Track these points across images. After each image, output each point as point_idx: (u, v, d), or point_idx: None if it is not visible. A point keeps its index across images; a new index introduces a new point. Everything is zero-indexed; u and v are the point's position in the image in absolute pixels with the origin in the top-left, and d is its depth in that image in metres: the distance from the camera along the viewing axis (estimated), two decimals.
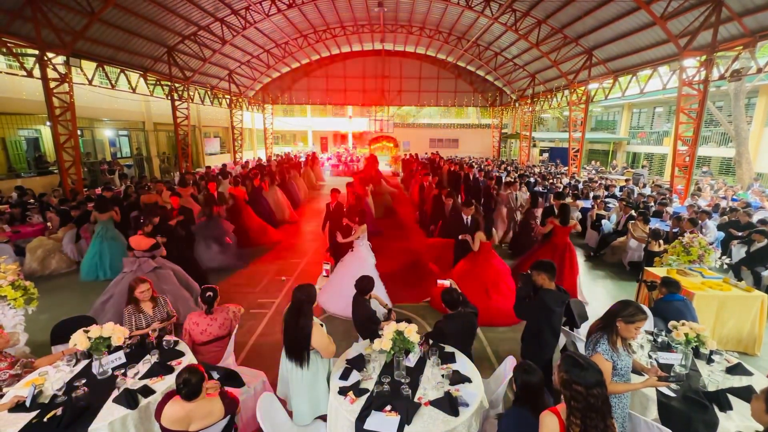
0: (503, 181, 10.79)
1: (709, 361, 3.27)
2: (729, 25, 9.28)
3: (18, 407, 2.60)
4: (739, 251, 7.18)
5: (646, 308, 4.07)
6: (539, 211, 9.00)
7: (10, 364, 3.12)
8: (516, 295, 3.54)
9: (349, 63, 25.41)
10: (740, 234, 7.54)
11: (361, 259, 5.77)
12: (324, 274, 3.57)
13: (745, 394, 2.79)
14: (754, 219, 7.86)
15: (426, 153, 24.93)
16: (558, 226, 6.02)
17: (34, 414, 2.56)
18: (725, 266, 5.73)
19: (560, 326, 3.57)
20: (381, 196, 12.30)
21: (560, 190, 11.68)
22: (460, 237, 5.86)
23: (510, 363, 3.11)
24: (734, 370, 3.15)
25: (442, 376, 2.91)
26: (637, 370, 2.89)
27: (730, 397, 2.78)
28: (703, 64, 9.87)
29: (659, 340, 3.54)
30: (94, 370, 2.99)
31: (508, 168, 19.02)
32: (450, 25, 18.84)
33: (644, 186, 13.95)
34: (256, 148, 30.74)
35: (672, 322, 3.44)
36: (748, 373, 3.10)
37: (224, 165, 17.22)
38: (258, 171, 12.40)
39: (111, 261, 6.98)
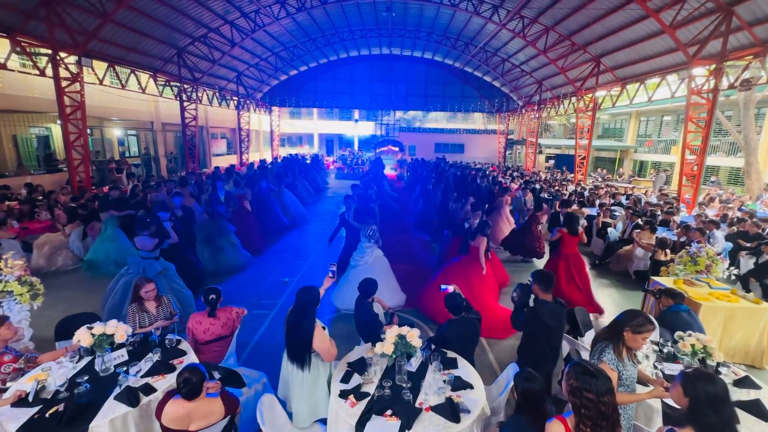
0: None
1: (716, 373, 3.22)
2: (739, 34, 9.22)
3: (20, 402, 2.62)
4: (747, 262, 7.08)
5: (653, 319, 4.02)
6: (545, 218, 9.02)
7: (14, 358, 3.14)
8: (514, 306, 3.48)
9: (357, 67, 25.58)
10: (749, 245, 7.44)
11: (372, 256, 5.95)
12: (330, 275, 3.56)
13: (753, 408, 2.74)
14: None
15: (435, 158, 24.95)
16: (566, 235, 5.95)
17: (36, 409, 2.57)
18: (732, 277, 5.65)
19: (559, 341, 3.44)
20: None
21: (566, 197, 11.63)
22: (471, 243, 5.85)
23: (512, 370, 3.08)
24: (742, 383, 3.09)
25: (444, 381, 2.89)
26: (643, 381, 2.85)
27: (737, 411, 2.72)
28: (713, 73, 9.80)
29: (665, 350, 3.49)
30: (97, 367, 3.01)
31: (514, 174, 18.98)
32: (458, 31, 18.91)
33: (659, 191, 13.81)
34: (262, 149, 30.94)
35: (678, 333, 3.40)
36: (756, 387, 3.05)
37: (232, 166, 17.32)
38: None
39: (103, 260, 7.04)
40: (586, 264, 6.19)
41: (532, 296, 3.39)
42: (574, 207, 10.97)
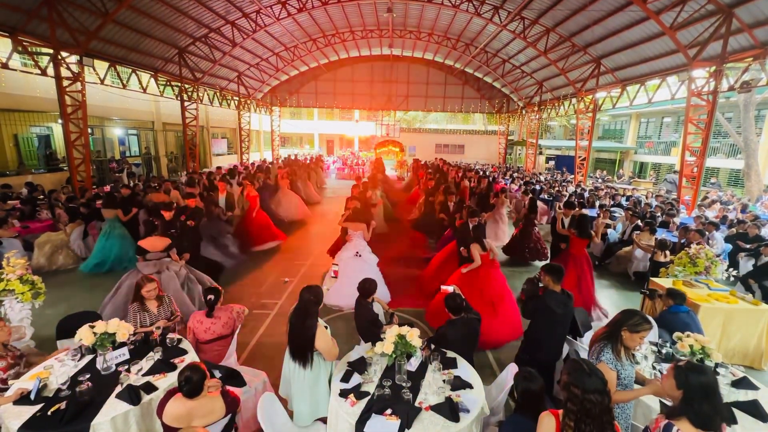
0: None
1: (714, 374, 3.23)
2: (739, 36, 9.24)
3: (22, 399, 2.63)
4: (746, 264, 7.10)
5: (651, 318, 4.05)
6: (544, 219, 9.00)
7: (13, 357, 3.13)
8: (524, 294, 3.70)
9: (357, 67, 25.60)
10: (748, 247, 7.45)
11: (362, 260, 5.98)
12: (332, 275, 3.58)
13: (751, 408, 2.76)
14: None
15: (434, 159, 24.97)
16: (575, 237, 5.96)
17: (38, 407, 2.58)
18: (732, 278, 5.67)
19: (564, 331, 3.59)
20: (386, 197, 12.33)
21: (566, 198, 11.63)
22: (461, 249, 5.79)
23: (512, 370, 3.10)
24: (740, 384, 3.11)
25: (444, 381, 2.91)
26: (640, 381, 2.87)
27: (735, 411, 2.74)
28: (713, 75, 9.82)
29: (664, 351, 3.51)
30: (98, 366, 3.02)
31: (514, 175, 19.00)
32: (458, 32, 18.93)
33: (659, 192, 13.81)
34: (262, 149, 30.98)
35: (677, 334, 3.41)
36: (754, 388, 3.06)
37: (235, 166, 17.34)
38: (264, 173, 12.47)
39: (115, 256, 7.15)
40: (591, 266, 6.18)
41: (542, 285, 3.60)
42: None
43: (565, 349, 3.96)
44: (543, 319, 3.49)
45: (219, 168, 14.60)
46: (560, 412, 2.00)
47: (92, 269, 7.06)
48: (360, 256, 6.07)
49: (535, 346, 3.55)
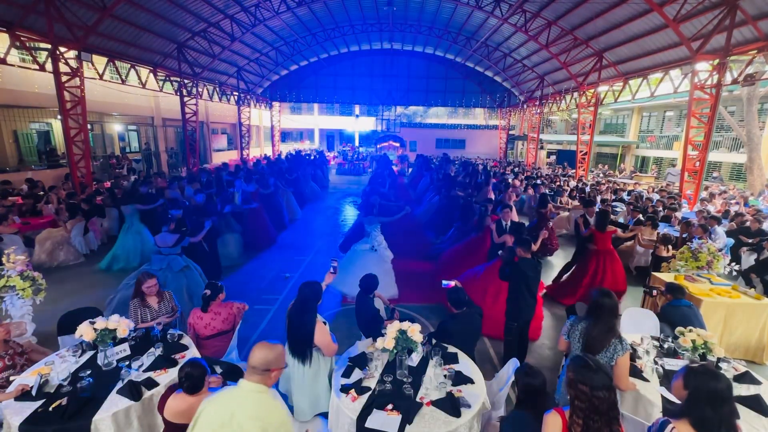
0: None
1: (716, 368, 3.22)
2: (743, 28, 9.14)
3: (24, 396, 2.64)
4: (748, 259, 7.07)
5: (651, 312, 4.07)
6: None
7: (11, 357, 3.13)
8: (502, 261, 4.37)
9: (357, 62, 25.45)
10: (750, 241, 7.42)
11: (377, 255, 6.03)
12: (331, 270, 3.57)
13: (753, 403, 2.75)
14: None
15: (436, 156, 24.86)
16: (597, 232, 5.96)
17: (39, 403, 2.59)
18: (734, 273, 5.64)
19: (536, 289, 4.25)
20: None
21: (567, 192, 11.59)
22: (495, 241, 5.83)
23: (513, 365, 3.10)
24: (742, 378, 3.10)
25: (445, 376, 2.90)
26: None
27: (737, 406, 2.73)
28: (716, 68, 9.72)
29: (665, 346, 3.50)
30: (99, 362, 3.02)
31: (515, 170, 18.93)
32: (459, 26, 18.78)
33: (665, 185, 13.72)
34: (263, 145, 30.90)
35: (679, 328, 3.40)
36: (756, 382, 3.05)
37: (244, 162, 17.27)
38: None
39: (131, 252, 7.19)
40: (619, 261, 6.13)
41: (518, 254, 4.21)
42: (575, 203, 10.97)
43: None
44: (517, 280, 4.07)
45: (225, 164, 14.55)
46: (566, 411, 1.99)
47: (109, 264, 7.06)
48: (375, 250, 6.09)
49: (514, 304, 4.11)
